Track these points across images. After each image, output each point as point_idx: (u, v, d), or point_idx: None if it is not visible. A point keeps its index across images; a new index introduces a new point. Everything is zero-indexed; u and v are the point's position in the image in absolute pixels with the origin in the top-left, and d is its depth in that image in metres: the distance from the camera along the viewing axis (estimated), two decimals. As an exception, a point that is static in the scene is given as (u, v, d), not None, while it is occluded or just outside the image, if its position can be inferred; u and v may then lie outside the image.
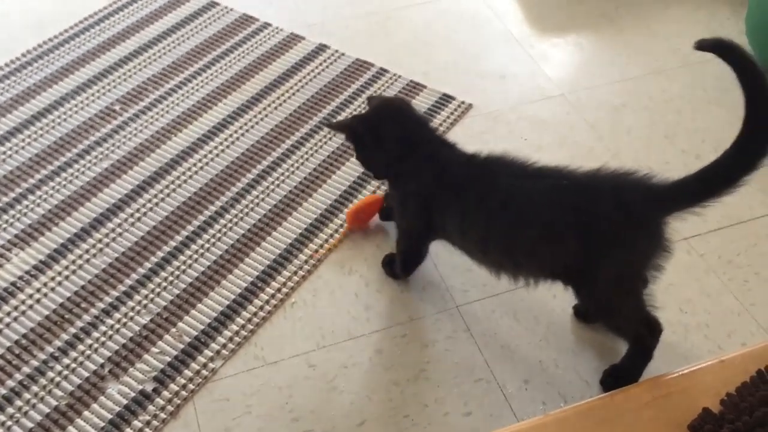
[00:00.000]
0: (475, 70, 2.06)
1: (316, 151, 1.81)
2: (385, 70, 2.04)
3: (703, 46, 1.06)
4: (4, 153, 1.82)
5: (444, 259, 1.56)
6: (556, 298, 1.49)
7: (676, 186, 1.15)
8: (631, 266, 1.22)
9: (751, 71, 1.04)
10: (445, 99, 1.95)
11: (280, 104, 1.95)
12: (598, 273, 1.21)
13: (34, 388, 1.37)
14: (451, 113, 1.91)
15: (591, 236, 1.17)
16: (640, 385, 1.07)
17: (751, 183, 1.10)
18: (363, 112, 1.46)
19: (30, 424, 1.31)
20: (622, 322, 1.30)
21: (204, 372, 1.39)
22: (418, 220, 1.38)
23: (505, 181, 1.24)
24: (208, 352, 1.42)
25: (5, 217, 1.67)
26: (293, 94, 1.98)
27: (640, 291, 1.27)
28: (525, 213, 1.21)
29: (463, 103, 1.94)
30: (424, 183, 1.33)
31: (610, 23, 2.20)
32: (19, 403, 1.34)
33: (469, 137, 1.85)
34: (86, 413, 1.33)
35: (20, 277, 1.55)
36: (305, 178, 1.74)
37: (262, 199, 1.70)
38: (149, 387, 1.36)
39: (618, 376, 1.32)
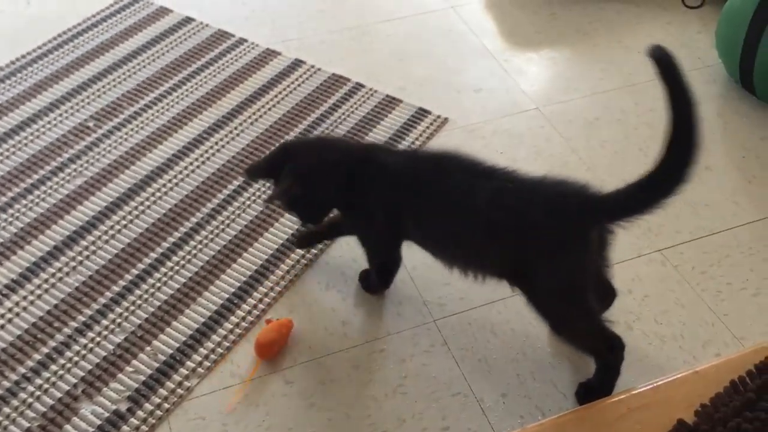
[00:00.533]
0: (451, 85, 2.07)
1: (293, 166, 1.81)
2: (362, 85, 2.05)
3: (653, 54, 1.10)
4: (-24, 171, 1.80)
5: (421, 272, 1.56)
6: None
7: (613, 197, 1.15)
8: (566, 275, 1.21)
9: (681, 87, 1.08)
10: (422, 113, 1.96)
11: (257, 119, 1.94)
12: (536, 280, 1.22)
13: (6, 410, 1.34)
14: (428, 127, 1.92)
15: (526, 241, 1.19)
16: (616, 397, 1.07)
17: (725, 194, 1.11)
18: (293, 167, 1.33)
19: (1, 447, 1.29)
20: (575, 335, 1.30)
21: (179, 390, 1.37)
22: (387, 230, 1.38)
23: (457, 179, 1.24)
24: (183, 371, 1.40)
25: (-24, 235, 1.65)
26: (269, 109, 1.98)
27: (589, 305, 1.25)
28: (472, 212, 1.23)
29: (439, 117, 1.95)
30: (382, 194, 1.32)
31: (584, 38, 2.23)
32: (-11, 425, 1.32)
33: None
34: (59, 435, 1.31)
35: (-9, 297, 1.52)
36: (282, 194, 1.74)
37: (239, 215, 1.69)
38: (123, 407, 1.34)
39: (590, 391, 1.33)
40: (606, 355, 1.30)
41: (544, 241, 1.18)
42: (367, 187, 1.33)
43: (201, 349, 1.43)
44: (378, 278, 1.51)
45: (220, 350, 1.43)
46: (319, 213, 1.43)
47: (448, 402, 1.35)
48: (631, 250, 1.61)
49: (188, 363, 1.41)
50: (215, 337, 1.45)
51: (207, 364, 1.41)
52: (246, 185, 1.75)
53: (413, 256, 1.59)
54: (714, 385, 1.00)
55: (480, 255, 1.29)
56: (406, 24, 2.29)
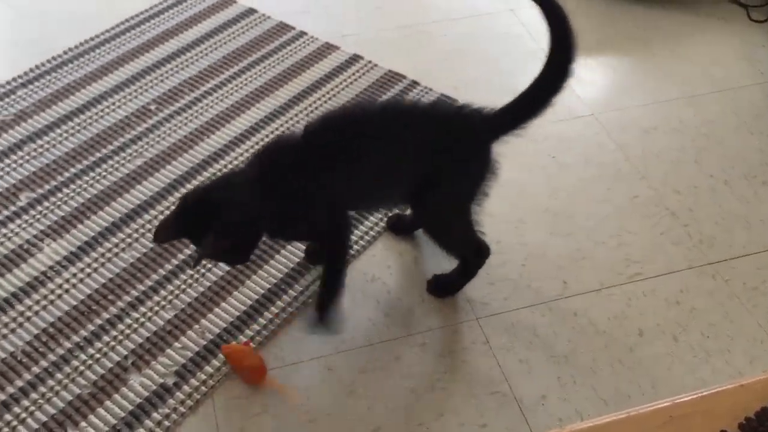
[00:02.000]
0: (505, 87, 2.05)
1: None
2: (417, 83, 2.07)
3: None
4: (42, 147, 1.86)
5: (466, 271, 1.57)
6: (578, 315, 1.49)
7: (500, 113, 1.37)
8: (466, 187, 1.38)
9: (558, 13, 1.36)
10: (475, 113, 1.96)
11: (313, 111, 1.98)
12: (438, 193, 1.35)
13: (59, 376, 1.39)
14: (480, 128, 1.92)
15: (438, 160, 1.32)
16: (658, 404, 1.06)
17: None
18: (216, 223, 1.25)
19: (52, 411, 1.34)
20: (452, 241, 1.44)
21: (224, 369, 1.41)
22: (328, 210, 1.35)
23: (359, 140, 1.30)
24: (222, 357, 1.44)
25: (39, 208, 1.71)
26: (326, 101, 2.01)
27: (470, 214, 1.40)
28: (388, 147, 1.31)
29: (492, 118, 1.95)
30: (304, 185, 1.29)
31: (643, 46, 2.21)
32: (42, 389, 1.37)
33: (495, 153, 1.86)
34: (108, 403, 1.36)
35: (51, 267, 1.58)
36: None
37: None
38: (170, 381, 1.39)
39: (439, 285, 1.50)
40: (471, 258, 1.47)
41: (455, 157, 1.32)
42: (289, 196, 1.29)
43: (247, 331, 1.47)
44: (342, 253, 1.43)
45: (265, 333, 1.47)
46: (249, 252, 1.37)
47: (486, 399, 1.36)
48: (682, 262, 1.60)
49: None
50: (261, 320, 1.49)
51: (252, 345, 1.44)
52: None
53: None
54: (760, 400, 0.99)
55: (395, 183, 1.37)
56: (462, 24, 2.30)
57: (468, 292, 1.54)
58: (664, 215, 1.70)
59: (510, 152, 1.84)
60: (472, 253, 1.47)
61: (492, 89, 2.05)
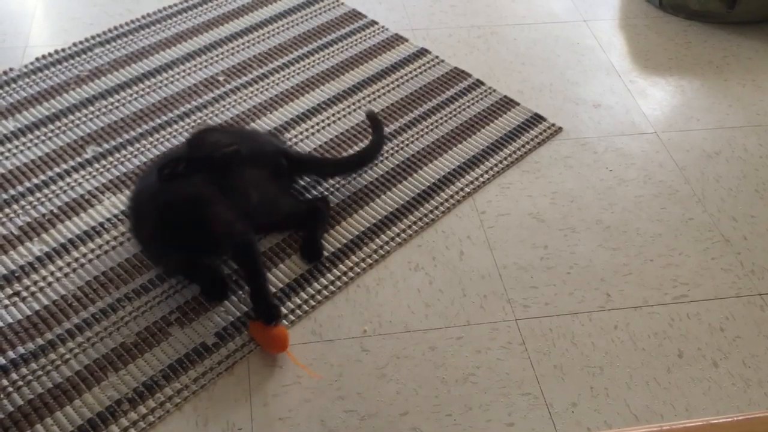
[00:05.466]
0: (570, 96, 2.06)
1: (403, 148, 1.85)
2: (481, 82, 2.07)
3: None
4: (111, 104, 1.93)
5: (510, 272, 1.58)
6: (618, 329, 1.48)
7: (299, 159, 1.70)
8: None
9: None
10: (536, 119, 1.96)
11: (375, 98, 2.00)
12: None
13: (105, 323, 1.44)
14: (540, 134, 1.92)
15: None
16: (691, 422, 1.05)
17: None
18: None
19: (96, 355, 1.39)
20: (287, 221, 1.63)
21: (282, 311, 1.43)
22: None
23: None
24: (269, 319, 1.47)
25: (103, 162, 1.77)
26: (388, 91, 2.03)
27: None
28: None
29: (553, 125, 1.95)
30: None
31: (716, 71, 2.17)
32: (89, 333, 1.42)
33: (554, 159, 1.86)
34: (148, 354, 1.40)
35: (108, 219, 1.64)
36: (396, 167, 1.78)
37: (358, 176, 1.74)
38: (210, 341, 1.42)
39: (306, 251, 1.59)
40: (309, 221, 1.63)
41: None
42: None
43: (288, 303, 1.50)
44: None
45: (305, 307, 1.49)
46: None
47: (516, 400, 1.36)
48: (731, 289, 1.57)
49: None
50: (303, 294, 1.51)
51: (292, 318, 1.47)
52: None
53: (504, 254, 1.61)
54: (798, 431, 0.97)
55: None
56: (534, 30, 2.29)
57: (509, 293, 1.54)
58: (717, 241, 1.68)
59: (568, 162, 1.84)
60: (308, 217, 1.63)
61: (556, 97, 2.05)
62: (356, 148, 1.84)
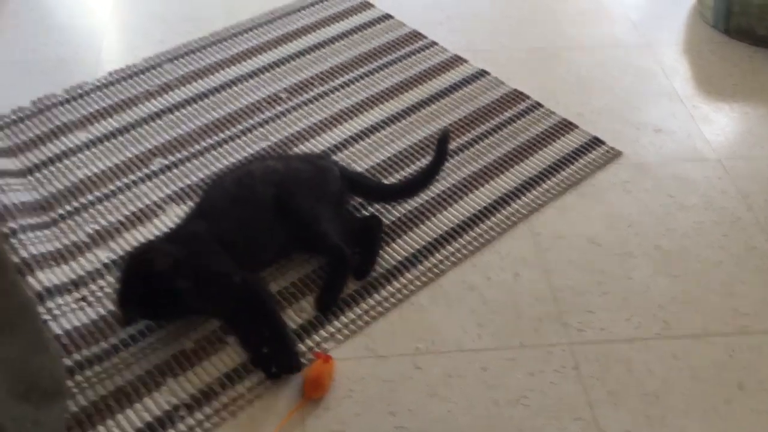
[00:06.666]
0: (630, 120, 2.04)
1: (460, 168, 1.86)
2: (540, 105, 2.07)
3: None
4: (178, 119, 1.99)
5: (566, 295, 1.57)
6: (675, 357, 1.46)
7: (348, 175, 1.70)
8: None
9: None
10: (595, 142, 1.95)
11: (434, 119, 2.02)
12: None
13: (166, 330, 1.49)
14: (599, 157, 1.91)
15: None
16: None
17: None
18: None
19: (156, 360, 1.43)
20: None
21: (316, 350, 1.46)
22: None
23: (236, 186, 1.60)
24: (323, 333, 1.49)
25: (168, 174, 1.83)
26: (448, 111, 2.04)
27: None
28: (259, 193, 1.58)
29: (613, 149, 1.93)
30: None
31: (783, 98, 2.12)
32: (150, 339, 1.47)
33: (612, 184, 1.84)
34: (206, 362, 1.43)
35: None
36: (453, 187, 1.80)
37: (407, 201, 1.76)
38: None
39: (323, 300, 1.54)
40: (362, 238, 1.63)
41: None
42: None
43: (342, 317, 1.52)
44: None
45: (360, 322, 1.51)
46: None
47: (568, 424, 1.35)
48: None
49: (329, 327, 1.50)
50: (358, 310, 1.53)
51: (346, 332, 1.49)
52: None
53: (559, 277, 1.60)
54: None
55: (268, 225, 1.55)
56: (595, 54, 2.28)
57: (564, 316, 1.53)
58: (782, 272, 1.63)
59: (627, 186, 1.82)
60: (341, 252, 1.58)
61: (615, 121, 2.03)
62: (412, 169, 1.86)
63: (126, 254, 1.58)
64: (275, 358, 1.41)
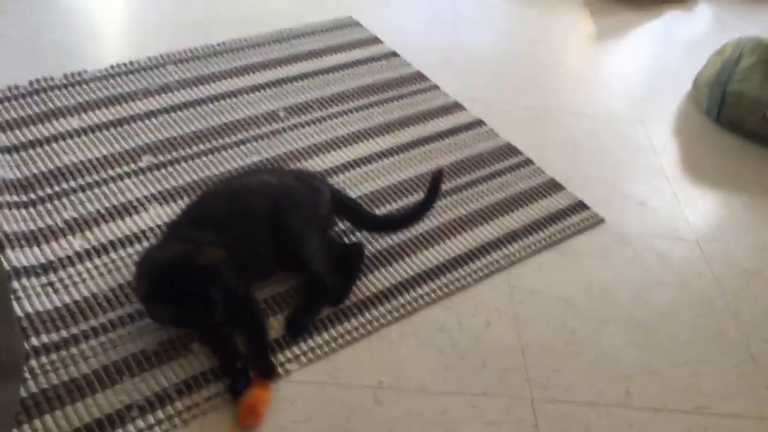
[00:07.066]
0: (616, 190, 2.08)
1: (446, 211, 1.87)
2: (531, 161, 2.10)
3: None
4: (172, 120, 1.99)
5: (534, 351, 1.57)
6: (633, 428, 1.46)
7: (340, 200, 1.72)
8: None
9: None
10: (580, 206, 1.98)
11: (425, 159, 2.03)
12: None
13: (129, 328, 1.46)
14: (582, 221, 1.93)
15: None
16: None
17: None
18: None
19: (115, 357, 1.40)
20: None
21: (279, 370, 1.44)
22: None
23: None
24: (288, 354, 1.47)
25: (156, 173, 1.81)
26: (440, 154, 2.06)
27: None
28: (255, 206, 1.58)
29: (596, 215, 1.96)
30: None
31: (766, 193, 2.17)
32: (112, 335, 1.44)
33: (592, 249, 1.86)
34: (166, 366, 1.40)
35: (150, 228, 1.67)
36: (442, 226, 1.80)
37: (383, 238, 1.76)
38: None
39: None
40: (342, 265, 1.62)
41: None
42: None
43: (310, 341, 1.50)
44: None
45: (326, 348, 1.49)
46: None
47: (522, 480, 1.34)
48: (754, 410, 1.54)
49: (295, 350, 1.48)
50: (326, 336, 1.51)
51: (310, 356, 1.47)
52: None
53: (530, 331, 1.60)
54: None
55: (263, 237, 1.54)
56: (590, 121, 2.33)
57: (530, 371, 1.53)
58: (746, 359, 1.65)
59: (606, 253, 1.85)
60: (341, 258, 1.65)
61: (602, 188, 2.06)
62: (398, 204, 1.87)
63: (149, 248, 1.49)
64: (255, 364, 1.40)
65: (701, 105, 2.45)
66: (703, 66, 2.51)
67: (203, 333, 1.45)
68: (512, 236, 1.84)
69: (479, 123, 2.21)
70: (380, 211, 1.84)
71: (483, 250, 1.79)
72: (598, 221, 1.95)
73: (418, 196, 1.88)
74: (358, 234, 1.75)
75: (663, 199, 2.07)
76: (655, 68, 2.72)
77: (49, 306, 1.47)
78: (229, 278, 1.37)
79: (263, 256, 1.55)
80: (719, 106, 2.37)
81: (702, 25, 3.07)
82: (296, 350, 1.48)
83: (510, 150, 2.13)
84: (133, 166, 1.83)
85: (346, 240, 1.74)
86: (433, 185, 1.72)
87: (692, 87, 2.54)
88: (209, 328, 1.43)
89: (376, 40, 2.49)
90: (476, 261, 1.75)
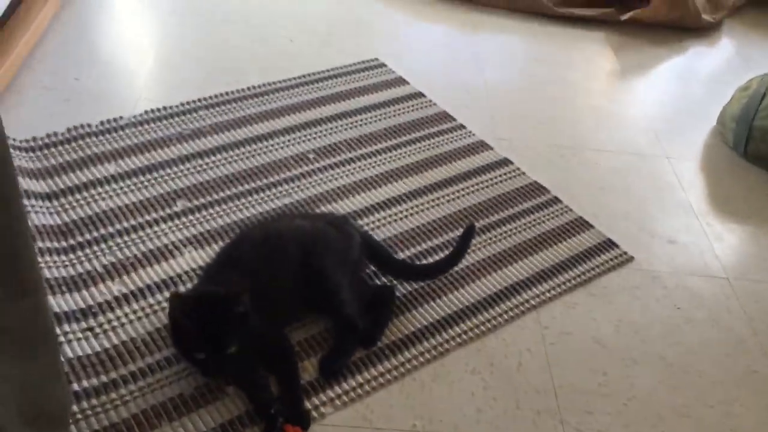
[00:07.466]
0: (645, 228, 2.08)
1: (474, 252, 1.89)
2: (558, 200, 2.12)
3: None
4: (206, 165, 2.03)
5: (567, 392, 1.57)
6: (670, 471, 1.45)
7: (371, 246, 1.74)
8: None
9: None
10: (608, 244, 1.98)
11: (453, 199, 2.06)
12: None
13: (167, 372, 1.49)
14: (611, 259, 1.94)
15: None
16: None
17: None
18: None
19: (154, 402, 1.43)
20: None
21: (313, 414, 1.45)
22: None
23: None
24: (323, 397, 1.48)
25: (190, 217, 1.85)
26: (467, 194, 2.09)
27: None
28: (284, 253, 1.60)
29: (625, 253, 1.97)
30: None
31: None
32: (150, 379, 1.47)
33: (622, 288, 1.87)
34: (203, 410, 1.43)
35: (186, 272, 1.70)
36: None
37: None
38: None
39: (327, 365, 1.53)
40: (374, 306, 1.64)
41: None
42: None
43: (344, 384, 1.52)
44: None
45: (360, 391, 1.51)
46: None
47: None
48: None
49: (329, 392, 1.50)
50: (360, 378, 1.53)
51: (345, 399, 1.49)
52: (423, 255, 1.85)
53: (562, 372, 1.61)
54: None
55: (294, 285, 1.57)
56: (616, 158, 2.35)
57: (563, 413, 1.53)
58: (782, 399, 1.64)
59: (636, 292, 1.85)
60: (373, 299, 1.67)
61: (631, 226, 2.07)
62: (427, 245, 1.89)
63: (173, 295, 1.41)
64: (288, 413, 1.41)
65: (728, 140, 2.46)
66: (727, 101, 2.52)
67: (237, 377, 1.48)
68: (541, 276, 1.85)
69: (505, 162, 2.24)
70: (408, 252, 1.86)
71: (513, 290, 1.80)
72: (628, 259, 1.96)
73: (444, 239, 1.90)
74: (386, 278, 1.77)
75: (692, 236, 2.07)
76: (679, 104, 2.74)
77: (89, 351, 1.50)
78: (254, 318, 1.40)
79: (295, 300, 1.58)
80: (746, 141, 2.38)
81: (725, 61, 3.08)
82: (330, 393, 1.50)
83: (537, 188, 2.15)
84: (168, 210, 1.87)
85: (377, 281, 1.76)
86: (464, 238, 1.75)
87: (717, 122, 2.55)
88: (228, 365, 1.43)
89: (401, 81, 2.53)
90: (506, 301, 1.76)
